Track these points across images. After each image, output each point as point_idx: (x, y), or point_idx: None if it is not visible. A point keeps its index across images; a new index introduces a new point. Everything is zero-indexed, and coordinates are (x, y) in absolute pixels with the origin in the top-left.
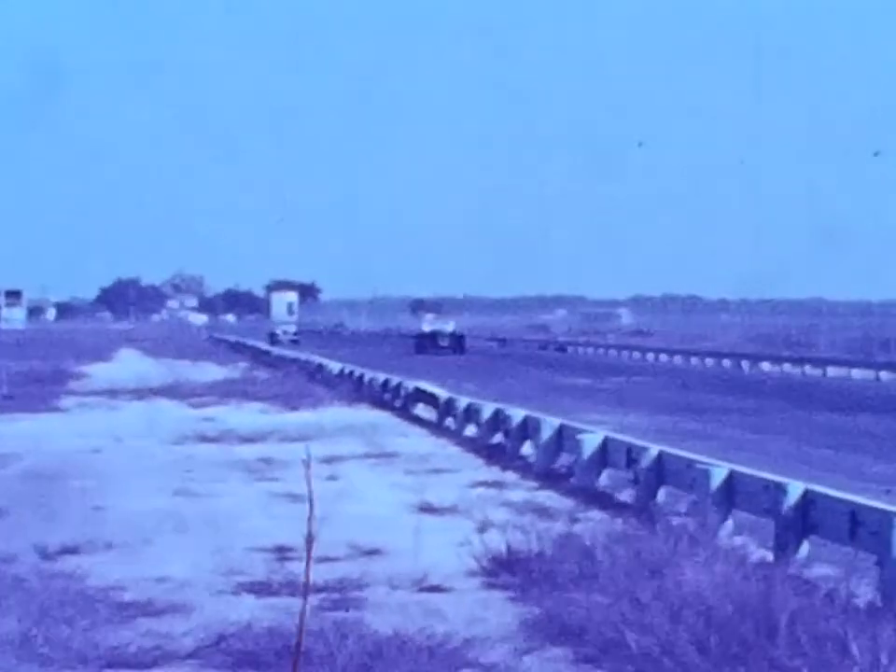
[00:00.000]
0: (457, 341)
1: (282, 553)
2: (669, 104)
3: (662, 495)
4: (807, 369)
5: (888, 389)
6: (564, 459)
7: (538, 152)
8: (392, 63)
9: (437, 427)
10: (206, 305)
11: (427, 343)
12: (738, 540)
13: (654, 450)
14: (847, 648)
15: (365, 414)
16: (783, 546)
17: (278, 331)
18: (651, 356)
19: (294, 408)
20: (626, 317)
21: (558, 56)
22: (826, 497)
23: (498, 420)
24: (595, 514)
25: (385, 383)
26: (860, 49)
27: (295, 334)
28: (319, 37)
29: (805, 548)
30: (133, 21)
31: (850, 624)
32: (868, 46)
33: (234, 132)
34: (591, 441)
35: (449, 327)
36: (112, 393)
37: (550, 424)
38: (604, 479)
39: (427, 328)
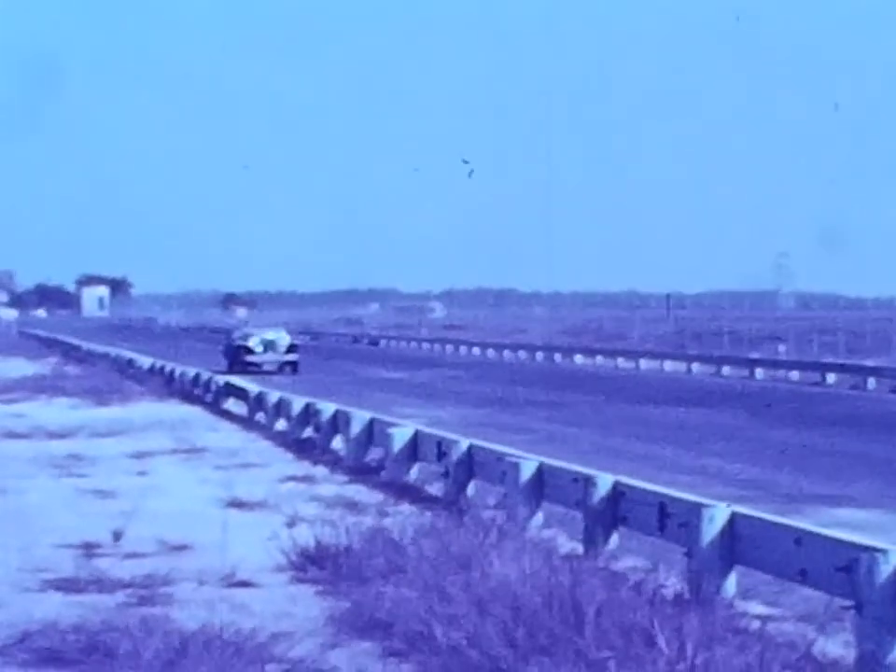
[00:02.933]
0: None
1: (89, 549)
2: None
3: (472, 488)
4: (620, 361)
5: (699, 382)
6: (375, 453)
7: (354, 143)
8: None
9: (248, 422)
10: (16, 300)
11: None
12: (548, 533)
13: (464, 443)
14: (654, 639)
15: (176, 409)
16: (592, 538)
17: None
18: (463, 349)
19: (105, 403)
20: (440, 310)
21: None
22: (635, 488)
23: (309, 414)
24: (405, 508)
25: (196, 377)
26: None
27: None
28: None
29: (614, 540)
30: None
31: (657, 616)
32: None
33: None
34: (401, 435)
35: (279, 336)
36: None
37: (360, 418)
38: (414, 472)
39: (250, 339)
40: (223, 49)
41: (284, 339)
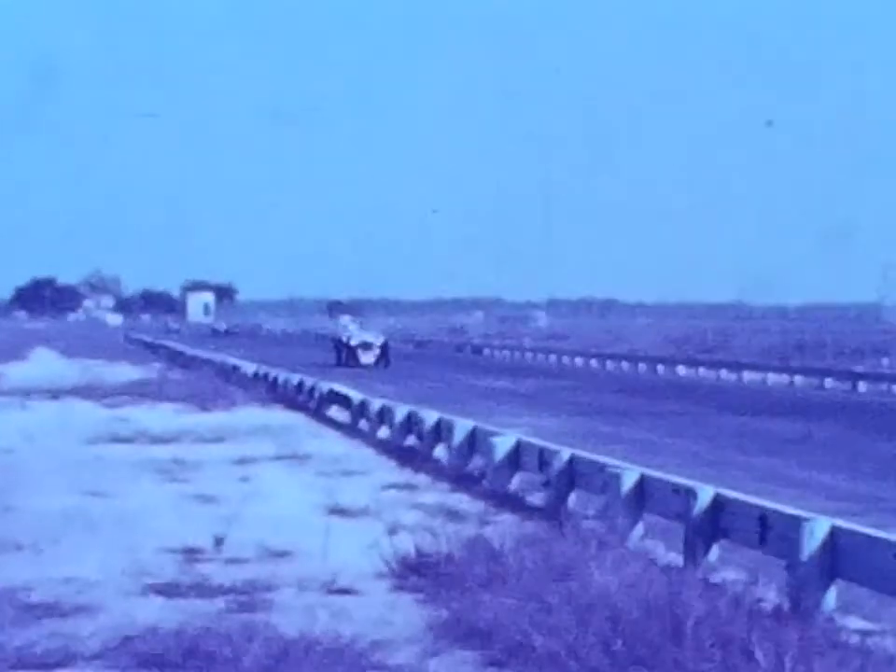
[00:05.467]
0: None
1: (191, 554)
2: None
3: (573, 498)
4: (723, 373)
5: (801, 394)
6: (477, 462)
7: (453, 154)
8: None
9: (350, 429)
10: (123, 305)
11: (349, 354)
12: (648, 544)
13: (566, 453)
14: (752, 652)
15: (279, 416)
16: (692, 550)
17: (216, 326)
18: (566, 359)
19: (208, 409)
20: (542, 320)
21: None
22: (736, 501)
23: (412, 422)
24: (506, 517)
25: (300, 384)
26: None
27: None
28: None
29: (714, 552)
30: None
31: (756, 628)
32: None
33: (147, 130)
34: (503, 444)
35: (376, 339)
36: (26, 392)
37: (463, 426)
38: (516, 482)
39: (352, 339)
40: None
41: (378, 339)
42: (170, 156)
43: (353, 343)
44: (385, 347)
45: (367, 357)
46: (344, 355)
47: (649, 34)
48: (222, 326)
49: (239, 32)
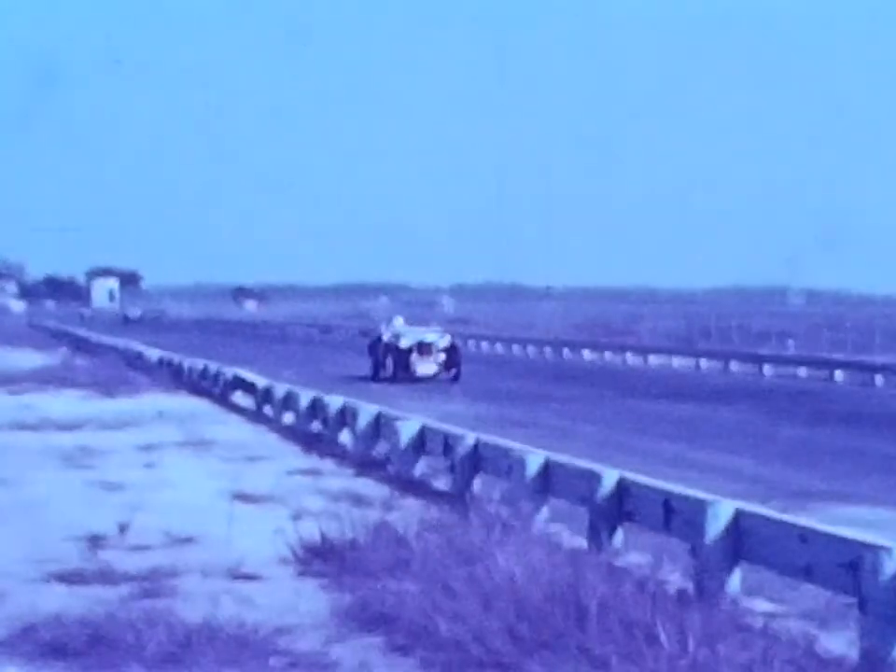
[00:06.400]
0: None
1: (95, 541)
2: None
3: (478, 483)
4: (629, 357)
5: (707, 377)
6: (382, 447)
7: (356, 138)
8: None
9: (255, 415)
10: (26, 292)
11: (398, 361)
12: (553, 528)
13: (471, 438)
14: (656, 635)
15: (184, 402)
16: (597, 534)
17: (129, 313)
18: (472, 343)
19: (113, 395)
20: (449, 305)
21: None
22: (640, 484)
23: (317, 408)
24: (411, 502)
25: (205, 370)
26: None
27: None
28: None
29: (619, 536)
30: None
31: (660, 612)
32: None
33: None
34: (408, 429)
35: (439, 338)
36: None
37: (367, 411)
38: (421, 467)
39: (401, 340)
40: (223, 40)
41: (443, 340)
42: (72, 141)
43: (403, 344)
44: (452, 350)
45: (426, 366)
46: (390, 363)
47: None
48: (136, 312)
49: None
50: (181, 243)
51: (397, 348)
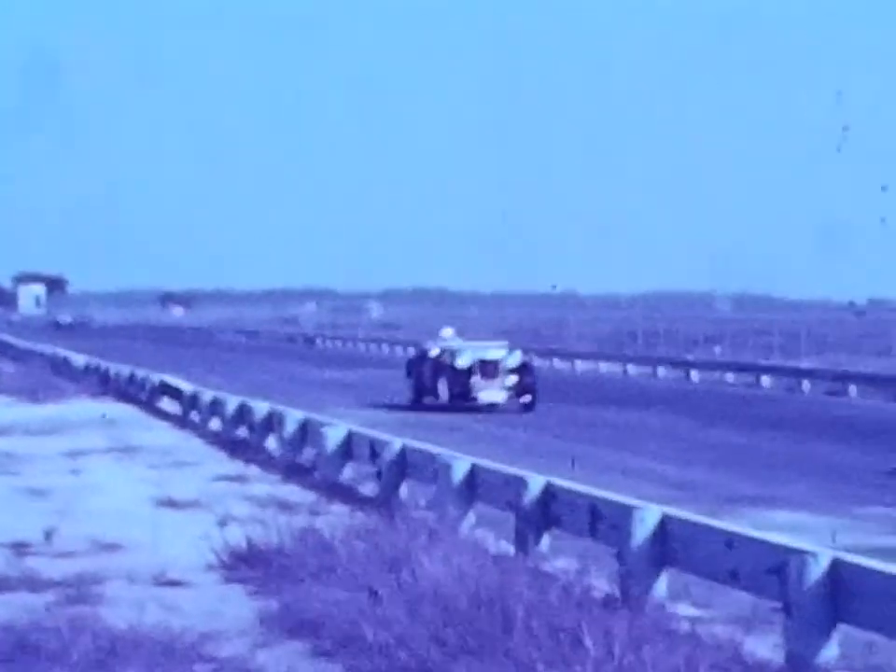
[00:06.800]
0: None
1: (20, 548)
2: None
3: (405, 488)
4: (556, 362)
5: (634, 383)
6: (308, 453)
7: (282, 144)
8: None
9: (182, 421)
10: None
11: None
12: (479, 534)
13: (397, 443)
14: (582, 640)
15: (110, 408)
16: (523, 539)
17: (60, 319)
18: (399, 349)
19: (40, 401)
20: (377, 310)
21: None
22: (566, 490)
23: (243, 413)
24: (337, 508)
25: (131, 376)
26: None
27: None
28: None
29: (545, 541)
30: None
31: (586, 617)
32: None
33: None
34: (334, 435)
35: (507, 356)
36: None
37: (294, 417)
38: (348, 472)
39: (458, 357)
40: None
41: (512, 357)
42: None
43: (461, 363)
44: (525, 371)
45: (491, 392)
46: (444, 386)
47: None
48: (67, 318)
49: None
50: (107, 248)
51: (452, 368)
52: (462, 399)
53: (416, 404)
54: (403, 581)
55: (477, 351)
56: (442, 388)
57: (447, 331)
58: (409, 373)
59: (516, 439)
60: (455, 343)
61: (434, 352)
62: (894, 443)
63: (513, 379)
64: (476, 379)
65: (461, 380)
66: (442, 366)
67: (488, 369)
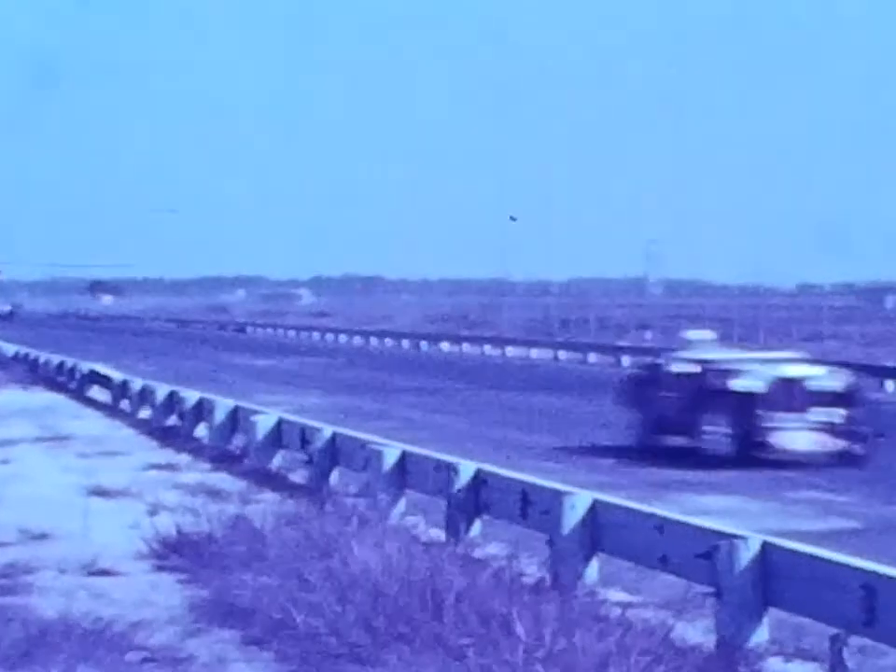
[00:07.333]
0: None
1: None
2: None
3: (335, 476)
4: (487, 348)
5: (565, 369)
6: (238, 441)
7: (209, 132)
8: None
9: (112, 410)
10: None
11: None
12: (410, 520)
13: (328, 431)
14: (512, 626)
15: (39, 397)
16: (454, 526)
17: None
18: (330, 336)
19: None
20: (307, 297)
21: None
22: (497, 476)
23: (173, 402)
24: (268, 496)
25: (61, 365)
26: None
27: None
28: None
29: (476, 527)
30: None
31: (516, 603)
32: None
33: None
34: (265, 423)
35: (826, 377)
36: None
37: (224, 405)
38: (278, 460)
39: (739, 377)
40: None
41: (831, 379)
42: None
43: (747, 386)
44: (850, 400)
45: (803, 435)
46: (719, 421)
47: None
48: (5, 308)
49: None
50: (35, 236)
51: (730, 393)
52: (756, 445)
53: (649, 449)
54: (334, 567)
55: (771, 368)
56: (713, 427)
57: (703, 333)
58: (624, 399)
59: (437, 423)
60: (724, 354)
61: (676, 367)
62: None
63: (840, 414)
64: (780, 416)
65: (749, 412)
66: (709, 388)
67: (797, 396)
